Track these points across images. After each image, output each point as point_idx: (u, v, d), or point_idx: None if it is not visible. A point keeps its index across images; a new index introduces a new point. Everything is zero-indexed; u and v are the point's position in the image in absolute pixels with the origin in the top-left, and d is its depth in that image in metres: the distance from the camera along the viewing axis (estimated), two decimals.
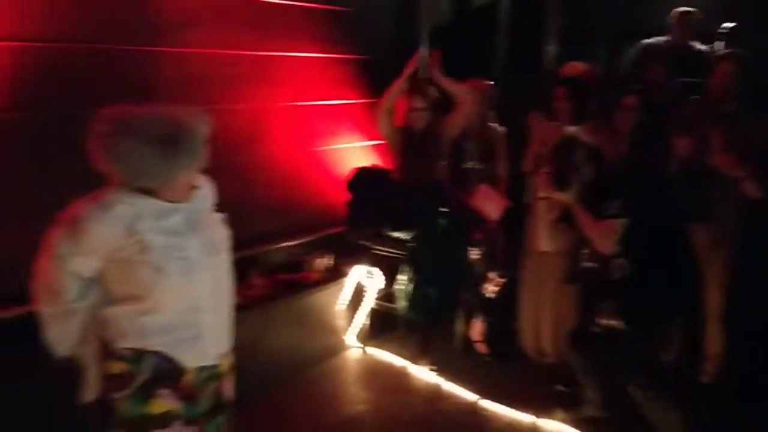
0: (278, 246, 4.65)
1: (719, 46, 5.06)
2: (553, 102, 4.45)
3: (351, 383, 4.40)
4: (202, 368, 2.28)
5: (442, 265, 4.41)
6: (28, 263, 2.24)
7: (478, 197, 4.56)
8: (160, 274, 2.11)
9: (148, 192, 2.14)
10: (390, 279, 4.65)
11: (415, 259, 4.44)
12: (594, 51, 5.79)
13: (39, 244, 2.19)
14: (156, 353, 2.19)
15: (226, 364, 2.39)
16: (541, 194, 4.11)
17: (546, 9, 5.84)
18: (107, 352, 2.24)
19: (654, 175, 3.95)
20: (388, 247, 4.65)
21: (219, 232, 2.34)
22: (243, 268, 4.34)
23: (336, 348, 4.72)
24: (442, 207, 4.46)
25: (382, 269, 4.73)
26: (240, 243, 4.25)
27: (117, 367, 2.21)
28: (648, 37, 5.31)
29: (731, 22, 5.38)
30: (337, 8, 4.85)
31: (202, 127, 2.17)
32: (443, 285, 4.44)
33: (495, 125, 4.79)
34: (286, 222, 4.71)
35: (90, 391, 2.29)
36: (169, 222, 2.16)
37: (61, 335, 2.24)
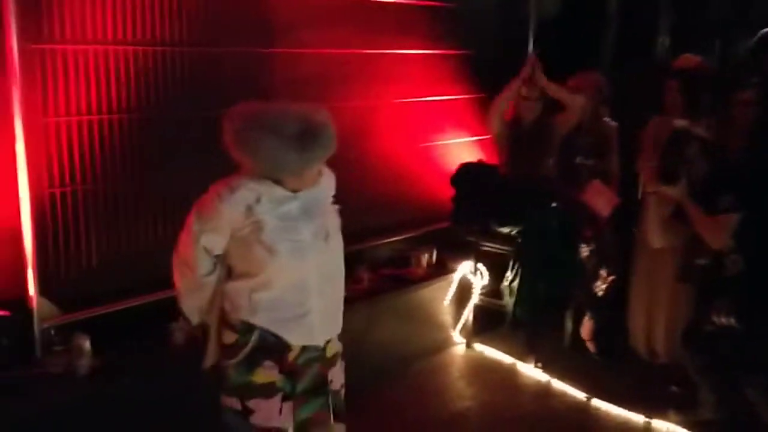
0: (385, 241, 4.72)
1: None
2: (665, 95, 4.34)
3: (457, 379, 4.42)
4: (306, 348, 2.41)
5: (550, 262, 4.36)
6: (162, 252, 2.41)
7: (589, 193, 4.48)
8: (272, 254, 2.27)
9: (276, 181, 2.30)
10: (496, 275, 4.64)
11: (523, 255, 4.41)
12: (707, 42, 5.59)
13: (170, 236, 2.36)
14: (262, 328, 2.34)
15: (332, 349, 2.50)
16: (650, 189, 4.02)
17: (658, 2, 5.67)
18: (224, 322, 2.42)
19: None
20: (494, 243, 4.64)
21: (332, 221, 2.47)
22: (351, 263, 4.44)
23: (441, 344, 4.75)
24: (552, 202, 4.41)
25: (488, 265, 4.72)
26: (348, 237, 4.45)
27: (230, 337, 2.38)
28: (766, 26, 5.08)
29: None
30: (441, 4, 4.87)
31: (330, 122, 2.30)
32: (551, 282, 4.40)
33: (607, 120, 4.69)
34: (392, 217, 4.77)
35: (209, 358, 2.48)
36: (286, 208, 2.32)
37: (194, 305, 2.48)
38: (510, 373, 4.47)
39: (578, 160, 4.60)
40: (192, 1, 3.59)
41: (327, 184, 2.49)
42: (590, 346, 4.62)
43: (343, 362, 2.57)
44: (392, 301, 4.44)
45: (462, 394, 4.23)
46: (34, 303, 3.14)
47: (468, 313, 4.77)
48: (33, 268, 3.12)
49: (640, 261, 4.37)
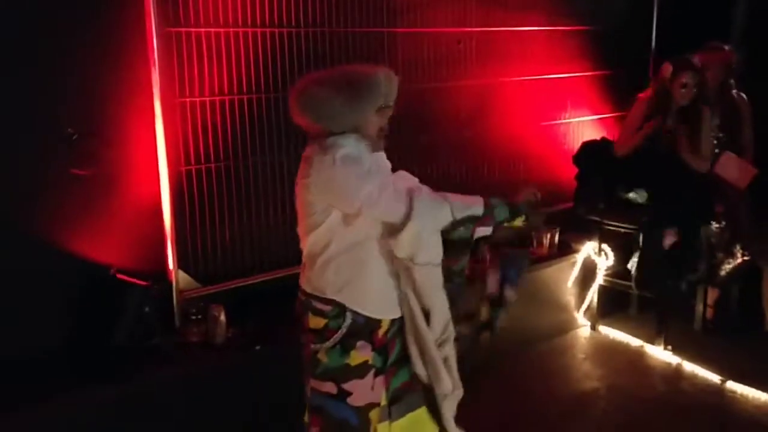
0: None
1: None
2: None
3: (582, 360, 4.32)
4: (393, 320, 2.42)
5: (681, 241, 4.20)
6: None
7: (721, 165, 4.29)
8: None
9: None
10: (621, 256, 4.51)
11: (651, 233, 4.26)
12: None
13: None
14: (353, 311, 2.34)
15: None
16: None
17: None
18: (307, 305, 2.41)
19: None
20: (619, 222, 4.50)
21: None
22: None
23: (566, 325, 4.66)
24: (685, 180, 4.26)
25: (612, 246, 4.58)
26: None
27: (317, 322, 2.37)
28: None
29: None
30: None
31: (386, 76, 2.31)
32: (681, 261, 4.23)
33: (738, 92, 4.46)
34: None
35: None
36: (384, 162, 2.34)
37: None
38: (638, 355, 4.34)
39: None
40: None
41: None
42: (709, 313, 4.46)
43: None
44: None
45: (589, 375, 4.14)
46: (173, 275, 3.30)
47: (592, 295, 4.66)
48: (172, 242, 3.29)
49: None
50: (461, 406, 2.53)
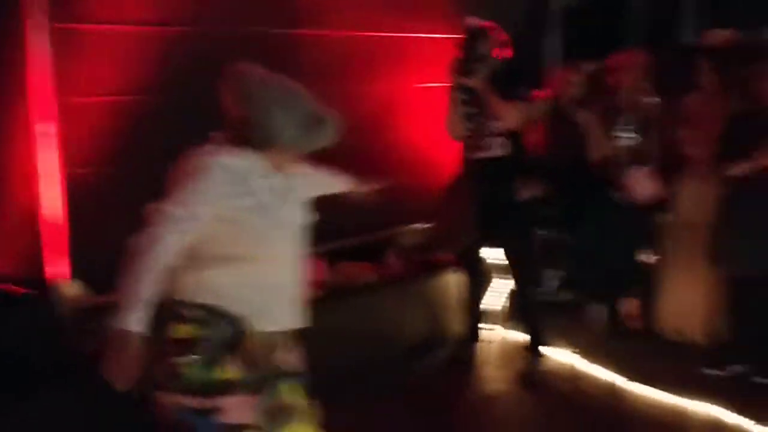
0: (413, 227, 4.69)
1: None
2: (699, 75, 4.28)
3: (489, 363, 4.38)
4: (270, 334, 2.26)
5: (597, 246, 4.36)
6: None
7: (631, 177, 4.44)
8: (260, 234, 2.16)
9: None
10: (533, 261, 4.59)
11: (570, 239, 4.40)
12: (736, 19, 5.49)
13: None
14: (225, 316, 2.17)
15: (292, 334, 2.36)
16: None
17: None
18: (169, 313, 2.17)
19: None
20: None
21: (302, 214, 2.36)
22: (380, 249, 4.45)
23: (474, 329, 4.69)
24: (598, 186, 4.40)
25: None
26: (377, 224, 4.44)
27: (182, 331, 2.17)
28: None
29: None
30: None
31: (338, 122, 2.24)
32: (595, 266, 4.39)
33: (649, 99, 4.58)
34: (422, 203, 4.73)
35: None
36: (273, 183, 2.21)
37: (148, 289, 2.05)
38: (544, 357, 4.42)
39: (619, 137, 4.52)
40: None
41: (305, 181, 2.41)
42: (635, 324, 4.57)
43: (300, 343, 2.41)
44: (421, 287, 4.43)
45: (493, 377, 4.21)
46: (62, 284, 3.15)
47: (502, 299, 4.72)
48: (62, 250, 3.14)
49: (674, 239, 4.39)
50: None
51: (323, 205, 3.93)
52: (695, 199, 4.30)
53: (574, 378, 4.16)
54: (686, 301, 4.38)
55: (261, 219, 2.17)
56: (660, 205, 4.48)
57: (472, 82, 3.95)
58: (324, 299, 3.89)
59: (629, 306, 4.56)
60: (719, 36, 4.67)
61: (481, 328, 4.56)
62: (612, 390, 4.01)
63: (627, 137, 4.48)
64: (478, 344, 4.53)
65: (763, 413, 3.59)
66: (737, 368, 4.03)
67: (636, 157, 4.48)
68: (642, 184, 4.44)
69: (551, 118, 4.55)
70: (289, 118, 2.14)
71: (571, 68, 4.50)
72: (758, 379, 3.95)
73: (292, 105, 2.16)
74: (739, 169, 3.89)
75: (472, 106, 4.03)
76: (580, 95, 4.46)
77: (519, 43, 4.65)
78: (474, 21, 4.07)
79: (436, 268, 4.52)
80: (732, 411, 3.66)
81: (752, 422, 3.56)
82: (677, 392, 3.84)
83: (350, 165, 4.29)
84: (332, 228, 4.15)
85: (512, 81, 3.99)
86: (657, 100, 4.54)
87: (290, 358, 2.36)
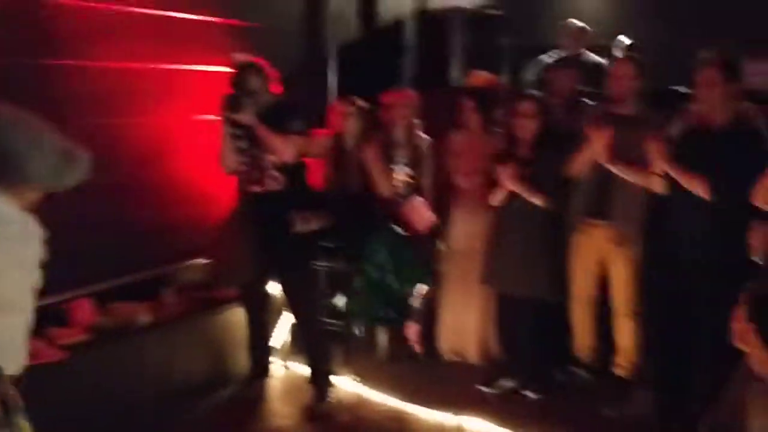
0: (192, 263, 4.56)
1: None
2: (462, 114, 4.59)
3: (273, 398, 4.33)
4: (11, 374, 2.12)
5: (379, 275, 4.48)
6: None
7: (408, 209, 4.62)
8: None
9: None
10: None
11: (353, 269, 4.51)
12: (500, 66, 5.99)
13: None
14: None
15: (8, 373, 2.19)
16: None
17: (451, 27, 6.01)
18: None
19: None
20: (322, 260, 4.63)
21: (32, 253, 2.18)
22: (156, 286, 4.28)
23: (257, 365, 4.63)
24: (380, 217, 4.54)
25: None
26: (152, 261, 4.28)
27: None
28: (543, 53, 5.57)
29: (623, 35, 5.70)
30: (242, 23, 4.84)
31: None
32: (377, 295, 4.51)
33: (421, 135, 4.81)
34: (199, 239, 4.61)
35: None
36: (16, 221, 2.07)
37: None
38: (332, 388, 4.43)
39: (395, 173, 4.70)
40: None
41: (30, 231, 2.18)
42: (417, 348, 4.71)
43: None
44: (202, 324, 4.31)
45: (278, 412, 4.16)
46: None
47: (285, 333, 4.70)
48: None
49: (449, 265, 4.64)
50: None
51: (93, 242, 3.80)
52: (466, 227, 4.60)
53: (359, 406, 4.22)
54: (462, 324, 4.62)
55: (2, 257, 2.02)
56: (436, 233, 4.74)
57: (242, 117, 3.95)
58: (92, 343, 3.72)
59: (410, 331, 4.70)
60: (480, 77, 5.06)
61: (270, 363, 4.52)
62: (396, 415, 4.10)
63: (403, 171, 4.69)
64: (267, 380, 4.48)
65: (529, 425, 3.85)
66: (508, 384, 4.30)
67: (412, 189, 4.70)
68: (419, 215, 4.65)
69: (332, 152, 4.66)
70: (36, 156, 2.02)
71: (344, 103, 4.64)
72: (527, 393, 4.24)
73: (39, 142, 2.04)
74: (495, 197, 4.22)
75: (244, 141, 4.03)
76: (359, 130, 4.60)
77: (296, 79, 4.79)
78: (242, 56, 4.09)
79: (217, 304, 4.42)
80: (504, 425, 3.88)
81: None
82: (456, 411, 4.01)
83: (123, 200, 4.20)
84: (103, 266, 4.04)
85: (287, 116, 4.02)
86: (427, 137, 4.80)
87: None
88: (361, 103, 4.63)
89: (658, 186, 3.80)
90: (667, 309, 3.80)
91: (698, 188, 3.57)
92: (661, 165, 3.71)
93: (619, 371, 4.25)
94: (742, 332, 2.59)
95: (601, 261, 4.22)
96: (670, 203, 3.77)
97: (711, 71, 3.58)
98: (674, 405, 3.80)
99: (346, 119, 4.60)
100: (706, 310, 3.51)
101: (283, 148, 3.96)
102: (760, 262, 3.12)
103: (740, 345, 2.62)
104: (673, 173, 3.64)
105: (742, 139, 3.55)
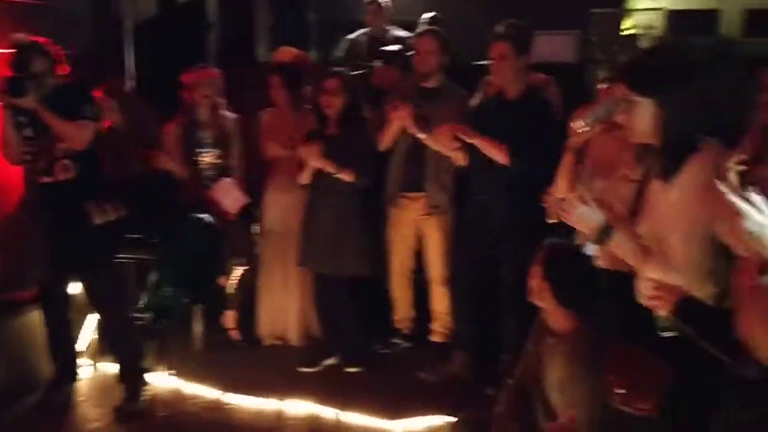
0: None
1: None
2: (270, 90, 4.48)
3: (83, 401, 4.06)
4: None
5: (185, 264, 4.29)
6: None
7: (217, 191, 4.44)
8: None
9: None
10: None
11: (158, 261, 4.32)
12: (308, 43, 5.94)
13: None
14: None
15: None
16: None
17: (256, 3, 5.87)
18: None
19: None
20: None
21: None
22: None
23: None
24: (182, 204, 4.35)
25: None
26: None
27: None
28: (351, 29, 5.58)
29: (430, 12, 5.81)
30: (32, 2, 4.44)
31: None
32: (184, 285, 4.33)
33: (227, 114, 4.61)
34: None
35: None
36: None
37: None
38: (146, 385, 4.20)
39: (201, 155, 4.50)
40: None
41: None
42: (235, 335, 4.60)
43: None
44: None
45: (88, 416, 3.91)
46: None
47: (91, 331, 4.41)
48: None
49: (265, 247, 4.57)
50: None
51: None
52: (280, 207, 4.51)
53: (176, 401, 4.04)
54: (282, 306, 4.56)
55: None
56: (249, 215, 4.61)
57: (24, 101, 3.60)
58: None
59: (227, 318, 4.58)
60: (287, 53, 4.97)
61: (77, 366, 4.22)
62: (215, 405, 3.97)
63: (209, 152, 4.51)
64: (75, 383, 4.18)
65: (351, 400, 3.85)
66: (330, 362, 4.29)
67: (220, 171, 4.52)
68: (229, 197, 4.49)
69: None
70: None
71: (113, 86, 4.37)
72: (347, 369, 4.25)
73: None
74: (303, 176, 4.17)
75: (29, 128, 3.69)
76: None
77: (88, 59, 4.47)
78: (23, 36, 3.73)
79: (13, 306, 4.06)
80: (326, 404, 3.86)
81: (342, 410, 3.80)
82: (278, 396, 3.95)
83: None
84: None
85: (76, 100, 3.73)
86: (234, 116, 4.63)
87: None
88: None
89: (460, 159, 3.91)
90: (476, 273, 3.93)
91: (497, 155, 3.70)
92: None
93: (436, 337, 4.37)
94: (537, 289, 2.72)
95: (417, 233, 4.31)
96: (475, 172, 3.91)
97: (501, 45, 3.74)
98: (488, 364, 3.95)
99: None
100: (511, 271, 3.66)
101: (73, 135, 3.67)
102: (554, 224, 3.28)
103: (537, 302, 2.75)
104: (474, 142, 3.74)
105: (533, 108, 3.74)
